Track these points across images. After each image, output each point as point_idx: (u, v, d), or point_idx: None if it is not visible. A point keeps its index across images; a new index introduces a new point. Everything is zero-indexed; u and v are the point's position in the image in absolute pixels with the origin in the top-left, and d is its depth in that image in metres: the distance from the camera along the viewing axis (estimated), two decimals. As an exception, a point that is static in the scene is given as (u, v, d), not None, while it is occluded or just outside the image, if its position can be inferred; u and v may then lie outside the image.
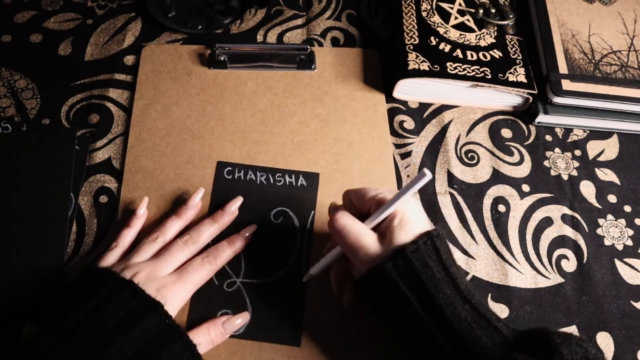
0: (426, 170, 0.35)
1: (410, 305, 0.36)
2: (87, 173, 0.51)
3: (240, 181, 0.51)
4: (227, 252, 0.45)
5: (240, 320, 0.43)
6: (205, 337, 0.41)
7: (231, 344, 0.43)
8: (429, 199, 0.52)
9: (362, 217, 0.40)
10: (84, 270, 0.43)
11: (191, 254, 0.44)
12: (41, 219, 0.48)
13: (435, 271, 0.36)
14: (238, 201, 0.48)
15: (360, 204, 0.41)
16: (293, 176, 0.51)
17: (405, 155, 0.55)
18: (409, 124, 0.57)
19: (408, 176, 0.53)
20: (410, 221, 0.38)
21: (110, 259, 0.43)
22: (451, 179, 0.53)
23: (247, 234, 0.47)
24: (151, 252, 0.43)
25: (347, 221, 0.39)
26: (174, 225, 0.46)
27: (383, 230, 0.38)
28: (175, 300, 0.40)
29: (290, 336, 0.44)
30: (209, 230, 0.46)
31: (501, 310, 0.47)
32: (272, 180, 0.51)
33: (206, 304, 0.44)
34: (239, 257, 0.47)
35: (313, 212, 0.50)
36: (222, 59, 0.58)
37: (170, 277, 0.41)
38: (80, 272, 0.43)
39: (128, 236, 0.45)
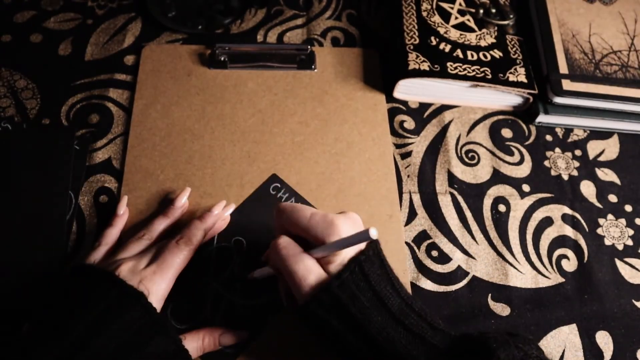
0: (372, 231, 0.34)
1: (345, 337, 0.36)
2: (87, 173, 0.51)
3: (277, 201, 0.50)
4: (200, 229, 0.44)
5: (238, 338, 0.43)
6: (197, 343, 0.41)
7: None
8: (429, 198, 0.52)
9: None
10: (68, 270, 0.43)
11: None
12: (39, 218, 0.48)
13: (364, 300, 0.35)
14: (231, 207, 0.48)
15: (292, 229, 0.39)
16: None
17: (406, 155, 0.55)
18: (409, 124, 0.57)
19: (408, 176, 0.53)
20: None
21: (94, 256, 0.43)
22: (451, 179, 0.53)
23: (217, 212, 0.47)
24: (137, 250, 0.43)
25: (289, 246, 0.38)
26: (161, 225, 0.46)
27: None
28: (158, 290, 0.39)
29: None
30: (200, 233, 0.45)
31: (502, 310, 0.47)
32: None
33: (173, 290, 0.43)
34: (227, 264, 0.46)
35: None
36: (222, 59, 0.58)
37: (150, 267, 0.40)
38: (65, 272, 0.43)
39: (111, 235, 0.45)
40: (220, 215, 0.48)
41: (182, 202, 0.48)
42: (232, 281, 0.46)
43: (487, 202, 0.52)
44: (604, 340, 0.46)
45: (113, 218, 0.47)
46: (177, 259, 0.41)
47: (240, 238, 0.48)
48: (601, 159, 0.57)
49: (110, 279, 0.38)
